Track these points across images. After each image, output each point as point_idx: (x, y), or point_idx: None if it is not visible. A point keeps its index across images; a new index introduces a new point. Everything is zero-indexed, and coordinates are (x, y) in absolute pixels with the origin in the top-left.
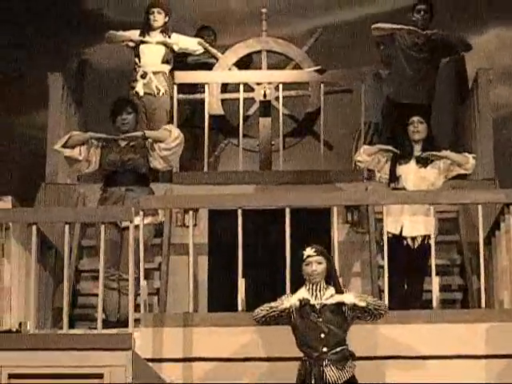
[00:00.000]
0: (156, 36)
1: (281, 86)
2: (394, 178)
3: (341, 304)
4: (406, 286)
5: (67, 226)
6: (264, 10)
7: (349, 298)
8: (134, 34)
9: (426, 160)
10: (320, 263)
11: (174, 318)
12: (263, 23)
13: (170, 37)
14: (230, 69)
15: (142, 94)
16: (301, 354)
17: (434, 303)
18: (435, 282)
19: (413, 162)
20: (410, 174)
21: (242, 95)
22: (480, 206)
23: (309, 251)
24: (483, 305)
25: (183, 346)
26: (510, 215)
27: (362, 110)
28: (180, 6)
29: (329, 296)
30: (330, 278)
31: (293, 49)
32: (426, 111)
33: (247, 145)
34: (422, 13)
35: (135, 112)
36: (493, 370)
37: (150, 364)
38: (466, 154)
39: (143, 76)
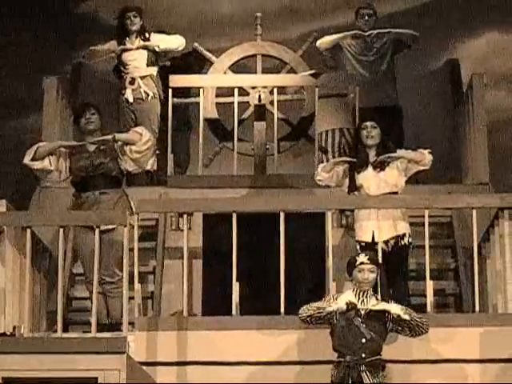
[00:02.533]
0: (135, 40)
1: (275, 90)
2: (353, 187)
3: (384, 313)
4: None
5: (61, 230)
6: (258, 14)
7: (395, 308)
8: (113, 44)
9: (382, 163)
10: (372, 272)
11: (168, 321)
12: (258, 27)
13: (148, 38)
14: (225, 73)
15: (131, 100)
16: (295, 358)
17: (428, 307)
18: (429, 286)
19: (370, 169)
20: (370, 181)
21: (236, 99)
22: (474, 211)
23: (362, 258)
24: (477, 309)
25: (177, 349)
26: (504, 220)
27: (356, 112)
28: (173, 10)
29: (375, 303)
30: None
31: (287, 53)
32: (394, 111)
33: (242, 149)
34: (367, 17)
35: (98, 113)
36: (487, 375)
37: (144, 368)
38: (422, 150)
39: (131, 82)
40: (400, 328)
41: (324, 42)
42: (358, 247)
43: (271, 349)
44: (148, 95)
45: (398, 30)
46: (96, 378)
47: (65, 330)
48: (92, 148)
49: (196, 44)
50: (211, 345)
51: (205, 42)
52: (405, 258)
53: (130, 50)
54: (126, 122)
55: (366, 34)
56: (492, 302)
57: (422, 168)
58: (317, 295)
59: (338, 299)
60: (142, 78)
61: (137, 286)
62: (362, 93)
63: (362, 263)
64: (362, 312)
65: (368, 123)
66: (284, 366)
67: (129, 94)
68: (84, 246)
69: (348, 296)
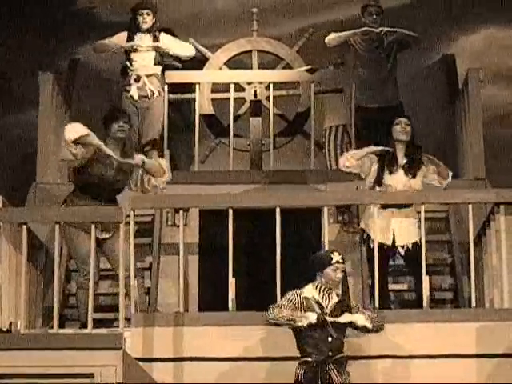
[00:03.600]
0: (145, 38)
1: (271, 86)
2: (379, 183)
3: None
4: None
5: (57, 226)
6: (255, 10)
7: (361, 319)
8: (122, 38)
9: (413, 169)
10: (343, 271)
11: (164, 317)
12: (254, 23)
13: (158, 38)
14: (220, 68)
15: (136, 97)
16: (291, 354)
17: (425, 303)
18: (425, 281)
19: (401, 172)
20: (399, 184)
21: (232, 95)
22: (470, 206)
23: (337, 257)
24: (473, 304)
25: (174, 345)
26: (499, 215)
27: (352, 108)
28: (170, 5)
29: (336, 300)
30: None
31: (283, 48)
32: (398, 110)
33: (238, 144)
34: (375, 16)
35: (129, 123)
36: (483, 370)
37: (141, 364)
38: (446, 170)
39: (137, 80)
40: (359, 329)
41: (333, 38)
42: (372, 246)
43: (267, 344)
44: (153, 93)
45: (404, 31)
46: (92, 374)
47: (61, 326)
48: (116, 160)
49: (192, 40)
50: (207, 341)
51: (200, 37)
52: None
53: (140, 47)
54: None
55: (377, 30)
56: (488, 297)
57: (438, 185)
58: None
59: (307, 310)
60: (148, 76)
61: (133, 282)
62: (368, 93)
63: (337, 262)
64: (330, 320)
65: (402, 119)
66: (280, 362)
67: (134, 91)
68: (78, 247)
69: (311, 292)
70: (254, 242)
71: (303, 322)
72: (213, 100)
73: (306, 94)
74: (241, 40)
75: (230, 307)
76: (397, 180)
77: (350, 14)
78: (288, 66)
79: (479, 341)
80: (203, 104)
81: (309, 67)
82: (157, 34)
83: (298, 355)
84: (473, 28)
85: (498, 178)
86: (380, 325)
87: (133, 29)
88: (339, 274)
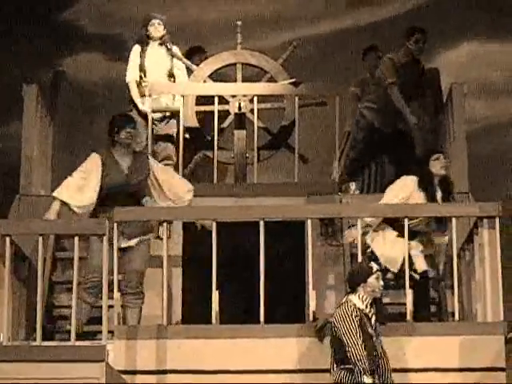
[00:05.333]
0: (159, 49)
1: (256, 99)
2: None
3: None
4: None
5: (41, 238)
6: (239, 23)
7: None
8: (137, 53)
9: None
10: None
11: (147, 330)
12: (238, 36)
13: (171, 49)
14: (204, 81)
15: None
16: (273, 367)
17: (408, 316)
18: (409, 294)
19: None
20: None
21: (216, 108)
22: (454, 220)
23: (376, 266)
24: (457, 318)
25: (156, 358)
26: (483, 229)
27: (336, 122)
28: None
29: (375, 317)
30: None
31: (268, 61)
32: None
33: (222, 157)
34: (421, 44)
35: (136, 127)
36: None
37: (124, 376)
38: None
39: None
40: None
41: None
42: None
43: (250, 357)
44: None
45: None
46: None
47: (50, 338)
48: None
49: (176, 51)
50: (191, 353)
51: (186, 50)
52: None
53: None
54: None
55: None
56: (471, 310)
57: None
58: (297, 304)
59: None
60: None
61: (116, 294)
62: (386, 119)
63: (377, 270)
64: (375, 330)
65: (440, 155)
66: (263, 375)
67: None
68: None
69: (359, 304)
70: (237, 255)
71: (365, 378)
72: (197, 112)
73: (290, 107)
74: (225, 53)
75: (213, 320)
76: None
77: (333, 28)
78: (272, 79)
79: (462, 354)
80: (187, 116)
81: (293, 80)
82: (169, 45)
83: (282, 368)
84: (456, 42)
85: (481, 191)
86: None
87: (144, 41)
88: (381, 282)
